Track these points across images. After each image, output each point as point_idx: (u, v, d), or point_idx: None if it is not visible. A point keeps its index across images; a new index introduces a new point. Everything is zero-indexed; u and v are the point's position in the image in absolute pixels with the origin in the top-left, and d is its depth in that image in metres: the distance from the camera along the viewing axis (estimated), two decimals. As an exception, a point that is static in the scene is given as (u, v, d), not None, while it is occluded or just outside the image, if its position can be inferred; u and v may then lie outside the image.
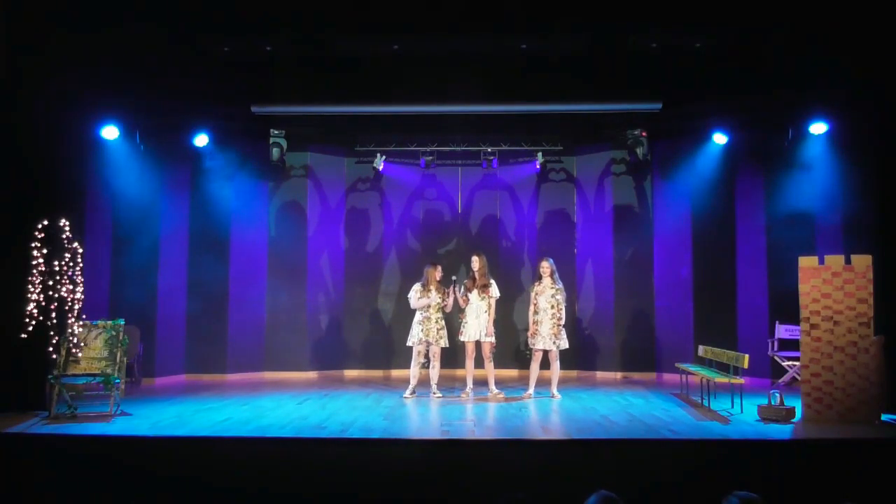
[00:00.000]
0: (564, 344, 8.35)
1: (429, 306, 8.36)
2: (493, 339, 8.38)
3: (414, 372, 8.49)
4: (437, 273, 8.49)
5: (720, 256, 10.07)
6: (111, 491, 5.34)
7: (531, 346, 8.43)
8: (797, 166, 9.46)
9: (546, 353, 8.35)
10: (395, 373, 10.98)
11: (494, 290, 8.41)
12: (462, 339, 8.41)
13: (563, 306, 8.34)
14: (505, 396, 8.33)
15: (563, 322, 8.32)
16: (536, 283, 8.48)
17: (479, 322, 8.36)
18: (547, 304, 8.31)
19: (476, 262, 8.41)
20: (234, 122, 10.20)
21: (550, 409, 7.66)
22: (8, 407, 6.99)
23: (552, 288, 8.35)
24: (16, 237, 7.15)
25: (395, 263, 11.37)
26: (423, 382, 8.61)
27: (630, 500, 3.28)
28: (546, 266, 8.44)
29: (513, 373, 10.73)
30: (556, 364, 8.38)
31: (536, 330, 8.32)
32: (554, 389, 8.41)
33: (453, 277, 8.61)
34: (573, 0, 7.91)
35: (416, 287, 8.47)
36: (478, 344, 8.40)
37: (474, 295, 8.37)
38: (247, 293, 10.65)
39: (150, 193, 9.96)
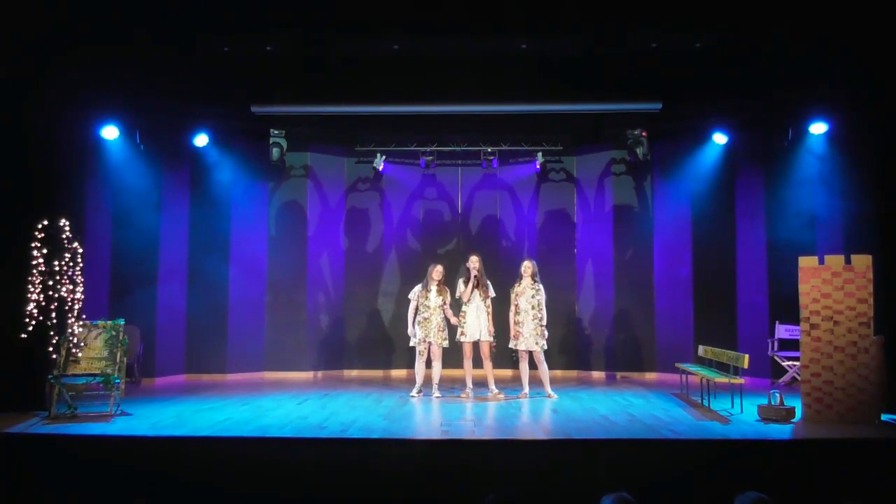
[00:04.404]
0: (545, 345, 8.35)
1: (439, 305, 8.41)
2: (492, 339, 8.40)
3: (418, 370, 8.54)
4: (437, 273, 8.50)
5: (720, 256, 10.07)
6: (111, 491, 5.33)
7: (513, 348, 8.44)
8: (797, 166, 9.46)
9: (531, 353, 8.37)
10: (395, 373, 11.01)
11: (492, 290, 8.46)
12: (462, 339, 8.41)
13: (543, 306, 8.35)
14: (505, 396, 8.33)
15: (545, 322, 8.34)
16: (517, 284, 8.47)
17: (479, 322, 8.37)
18: (528, 305, 8.31)
19: (476, 261, 8.42)
20: (234, 122, 10.21)
21: (550, 408, 7.65)
22: (8, 407, 6.98)
23: (532, 288, 8.36)
24: (16, 237, 7.15)
25: (395, 263, 11.37)
26: (427, 382, 8.61)
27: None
28: (528, 266, 8.45)
29: (511, 373, 10.72)
30: (543, 365, 8.37)
31: (519, 331, 8.32)
32: (548, 389, 8.42)
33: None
34: (573, 0, 7.91)
35: (460, 282, 8.50)
36: (476, 344, 8.41)
37: (475, 295, 8.37)
38: (247, 293, 10.65)
39: (150, 193, 9.96)
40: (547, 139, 10.96)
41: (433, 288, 8.46)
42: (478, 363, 8.52)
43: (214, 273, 10.40)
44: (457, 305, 8.56)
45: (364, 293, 11.28)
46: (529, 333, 8.28)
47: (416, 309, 8.51)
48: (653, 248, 10.79)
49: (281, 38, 8.42)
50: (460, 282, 8.52)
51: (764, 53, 8.51)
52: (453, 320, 8.47)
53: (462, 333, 8.40)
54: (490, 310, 8.44)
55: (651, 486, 5.04)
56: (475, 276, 8.36)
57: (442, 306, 8.44)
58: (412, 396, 8.39)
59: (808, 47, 8.06)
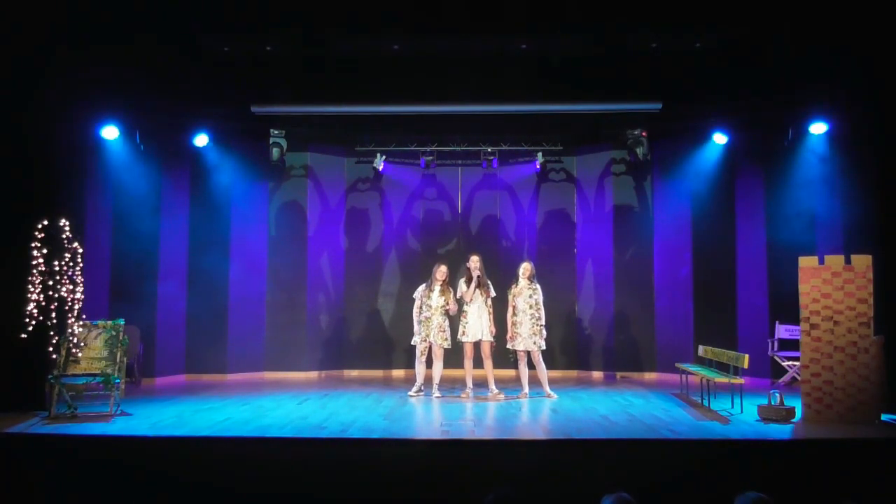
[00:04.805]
0: (543, 344, 8.35)
1: (442, 306, 8.41)
2: (492, 339, 8.40)
3: (419, 370, 8.56)
4: (441, 273, 8.49)
5: (720, 256, 10.07)
6: (111, 491, 5.34)
7: (510, 348, 8.44)
8: (797, 166, 9.46)
9: (529, 353, 8.37)
10: (395, 373, 11.01)
11: (492, 290, 8.47)
12: (463, 339, 8.41)
13: (541, 305, 8.36)
14: (505, 396, 8.33)
15: (543, 321, 8.35)
16: (513, 286, 8.49)
17: (481, 322, 8.37)
18: (525, 305, 8.32)
19: (476, 261, 8.42)
20: (234, 122, 10.21)
21: (550, 408, 7.65)
22: (8, 407, 6.98)
23: (529, 288, 8.37)
24: (16, 237, 7.14)
25: (395, 263, 11.37)
26: (427, 381, 8.60)
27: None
28: (527, 268, 8.46)
29: (511, 373, 10.72)
30: (541, 365, 8.37)
31: (516, 332, 8.33)
32: (547, 389, 8.42)
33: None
34: (573, 0, 7.91)
35: (461, 282, 8.48)
36: (477, 344, 8.41)
37: (477, 294, 8.37)
38: (247, 293, 10.65)
39: (150, 193, 9.96)
40: (547, 139, 10.96)
41: (437, 288, 8.46)
42: (478, 363, 8.51)
43: (214, 273, 10.39)
44: (458, 306, 8.55)
45: (364, 293, 11.28)
46: (527, 333, 8.29)
47: (420, 308, 8.52)
48: (653, 248, 10.79)
49: (281, 38, 8.43)
50: (461, 282, 8.52)
51: (763, 53, 8.51)
52: (452, 309, 8.45)
53: (464, 333, 8.40)
54: (491, 309, 8.44)
55: (651, 486, 5.04)
56: (477, 277, 8.36)
57: (444, 306, 8.44)
58: (411, 396, 8.39)
59: (808, 47, 8.06)
